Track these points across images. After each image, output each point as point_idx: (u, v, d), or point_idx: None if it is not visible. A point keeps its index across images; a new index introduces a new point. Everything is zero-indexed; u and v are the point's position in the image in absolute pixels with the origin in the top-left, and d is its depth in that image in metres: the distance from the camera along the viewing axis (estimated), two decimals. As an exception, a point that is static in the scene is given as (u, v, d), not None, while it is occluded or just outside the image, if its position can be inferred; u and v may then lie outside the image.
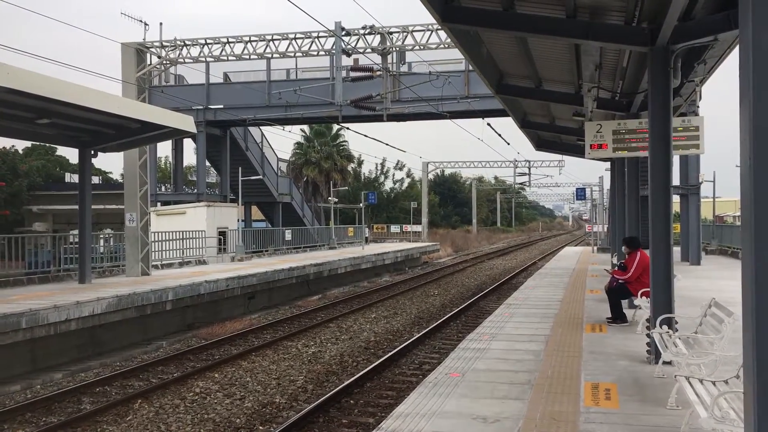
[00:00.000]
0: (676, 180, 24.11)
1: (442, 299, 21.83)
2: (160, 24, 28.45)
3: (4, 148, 38.62)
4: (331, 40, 27.26)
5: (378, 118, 30.02)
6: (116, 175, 54.56)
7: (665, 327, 7.38)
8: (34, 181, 37.83)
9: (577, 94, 13.26)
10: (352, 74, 28.97)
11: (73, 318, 12.14)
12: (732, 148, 5.13)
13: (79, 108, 12.67)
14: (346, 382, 10.42)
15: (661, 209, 7.92)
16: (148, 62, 22.14)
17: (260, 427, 8.72)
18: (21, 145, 43.47)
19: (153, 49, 25.19)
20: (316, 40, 27.16)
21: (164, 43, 26.71)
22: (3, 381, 11.02)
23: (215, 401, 9.94)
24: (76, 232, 17.83)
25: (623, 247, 11.51)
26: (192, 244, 23.92)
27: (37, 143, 41.41)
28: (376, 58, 27.05)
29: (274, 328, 16.33)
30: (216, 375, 11.49)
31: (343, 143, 58.53)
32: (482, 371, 7.91)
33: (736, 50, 4.45)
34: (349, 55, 27.52)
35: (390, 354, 12.54)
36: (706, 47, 9.20)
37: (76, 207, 17.02)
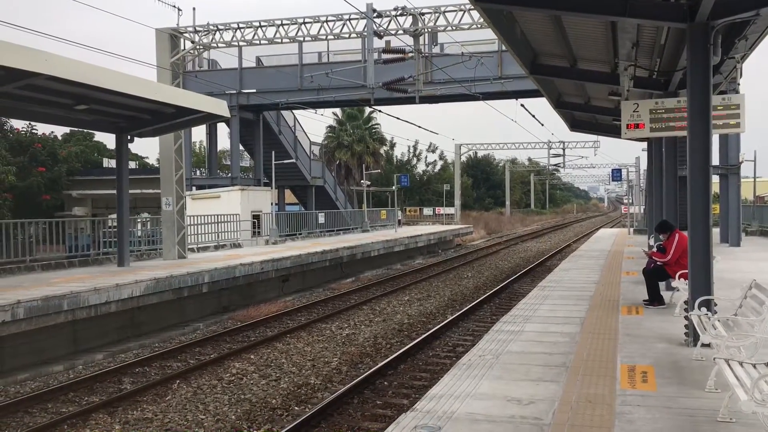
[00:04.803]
0: (715, 160, 23.57)
1: (475, 282, 21.78)
2: (194, 9, 28.59)
3: (43, 134, 39.39)
4: (363, 22, 27.16)
5: (410, 101, 29.87)
6: (152, 160, 55.30)
7: (704, 309, 7.26)
8: (73, 167, 38.60)
9: (613, 73, 12.99)
10: (384, 56, 28.78)
11: (113, 300, 12.40)
12: (774, 126, 4.92)
13: (117, 94, 12.85)
14: (381, 364, 10.50)
15: (700, 190, 7.75)
16: (182, 47, 22.30)
17: (296, 408, 8.83)
18: (60, 131, 44.28)
19: (186, 35, 25.36)
20: (347, 22, 27.09)
21: (197, 28, 26.90)
22: (47, 361, 11.35)
23: (251, 382, 10.09)
24: (114, 216, 18.16)
25: (659, 235, 11.29)
26: (227, 227, 24.22)
27: (76, 129, 42.16)
28: (408, 40, 26.86)
29: (309, 311, 16.48)
30: (252, 356, 11.66)
31: (375, 126, 58.54)
32: (516, 353, 7.88)
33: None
34: (380, 37, 27.38)
35: (424, 336, 12.58)
36: (747, 23, 8.93)
37: (114, 191, 17.32)
